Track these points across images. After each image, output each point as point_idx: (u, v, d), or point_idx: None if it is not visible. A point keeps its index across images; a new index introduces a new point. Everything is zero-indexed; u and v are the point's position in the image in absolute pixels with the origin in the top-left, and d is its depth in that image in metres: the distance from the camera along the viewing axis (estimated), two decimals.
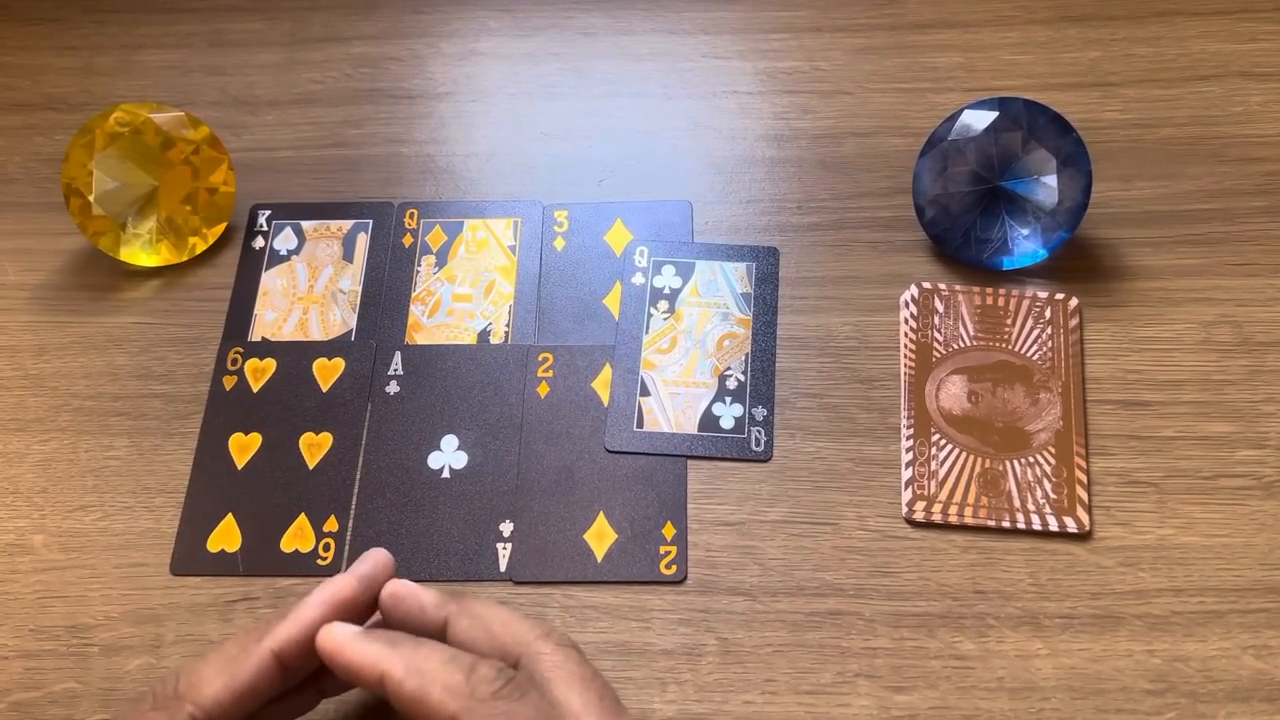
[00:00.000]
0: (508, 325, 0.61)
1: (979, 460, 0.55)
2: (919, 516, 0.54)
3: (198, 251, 0.64)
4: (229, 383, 0.60)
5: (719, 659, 0.52)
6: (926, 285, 0.60)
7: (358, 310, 0.62)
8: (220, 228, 0.64)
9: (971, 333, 0.59)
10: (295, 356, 0.61)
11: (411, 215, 0.65)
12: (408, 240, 0.64)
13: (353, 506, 0.57)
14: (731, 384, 0.58)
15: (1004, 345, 0.58)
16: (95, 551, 0.56)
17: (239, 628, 0.53)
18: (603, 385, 0.59)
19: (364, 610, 0.47)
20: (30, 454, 0.59)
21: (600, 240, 0.63)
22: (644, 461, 0.57)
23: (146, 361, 0.61)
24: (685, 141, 0.66)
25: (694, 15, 0.71)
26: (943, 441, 0.56)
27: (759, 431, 0.57)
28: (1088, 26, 0.69)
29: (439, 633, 0.46)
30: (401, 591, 0.47)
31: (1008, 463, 0.55)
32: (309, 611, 0.45)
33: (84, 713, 0.52)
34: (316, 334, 0.61)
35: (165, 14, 0.73)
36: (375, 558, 0.48)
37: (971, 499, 0.54)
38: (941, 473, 0.55)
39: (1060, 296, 0.59)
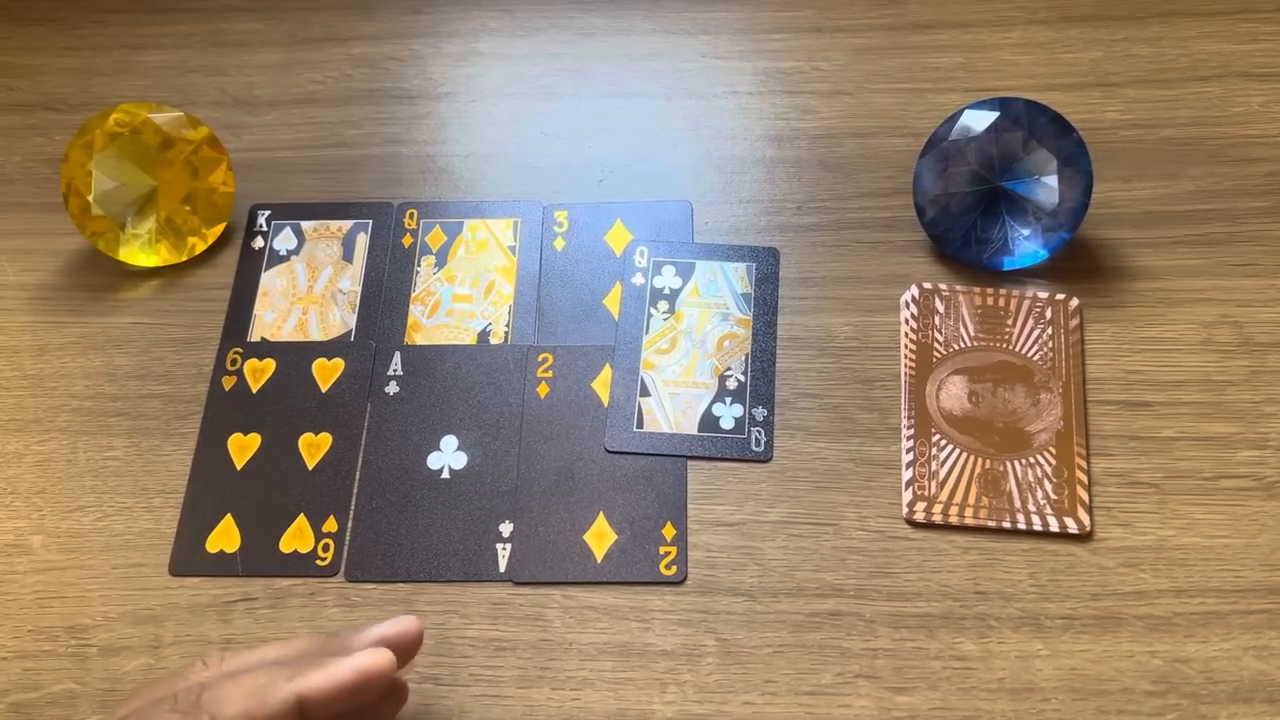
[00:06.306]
0: (507, 325, 0.61)
1: (979, 461, 0.55)
2: (919, 517, 0.54)
3: (197, 252, 0.64)
4: (228, 383, 0.60)
5: (719, 660, 0.52)
6: (927, 285, 0.60)
7: (357, 310, 0.62)
8: (219, 228, 0.64)
9: (972, 333, 0.59)
10: (294, 357, 0.61)
11: (411, 215, 0.65)
12: (407, 240, 0.64)
13: (352, 507, 0.56)
14: (731, 384, 0.58)
15: (1004, 346, 0.58)
16: (94, 552, 0.56)
17: (236, 626, 0.53)
18: (602, 385, 0.59)
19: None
20: (29, 454, 0.59)
21: (600, 240, 0.63)
22: (644, 462, 0.57)
23: (146, 362, 0.61)
24: (685, 141, 0.66)
25: (694, 15, 0.71)
26: (943, 442, 0.56)
27: (759, 432, 0.57)
28: (1088, 27, 0.69)
29: None
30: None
31: (1008, 463, 0.55)
32: (343, 673, 0.45)
33: (82, 713, 0.52)
34: (316, 334, 0.61)
35: (165, 14, 0.73)
36: (407, 628, 0.48)
37: (972, 499, 0.54)
38: (942, 473, 0.55)
39: (1061, 297, 0.59)
